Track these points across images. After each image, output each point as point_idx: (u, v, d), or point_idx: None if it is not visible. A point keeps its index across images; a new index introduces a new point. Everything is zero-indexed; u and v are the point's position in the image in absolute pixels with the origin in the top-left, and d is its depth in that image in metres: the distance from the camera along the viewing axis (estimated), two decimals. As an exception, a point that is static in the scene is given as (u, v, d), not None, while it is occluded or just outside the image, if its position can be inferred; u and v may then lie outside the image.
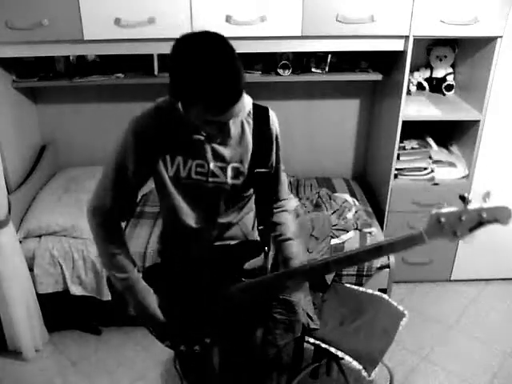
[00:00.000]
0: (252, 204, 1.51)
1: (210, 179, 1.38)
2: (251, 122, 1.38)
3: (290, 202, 1.59)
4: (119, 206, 1.40)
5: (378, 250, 1.29)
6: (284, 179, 1.57)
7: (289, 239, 1.52)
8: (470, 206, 1.17)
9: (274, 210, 1.55)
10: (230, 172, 1.38)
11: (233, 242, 1.50)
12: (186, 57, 1.13)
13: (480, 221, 1.16)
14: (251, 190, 1.46)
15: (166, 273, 1.57)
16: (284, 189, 1.58)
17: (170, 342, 1.57)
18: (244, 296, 1.47)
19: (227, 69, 1.12)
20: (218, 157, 1.36)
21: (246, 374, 1.82)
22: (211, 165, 1.36)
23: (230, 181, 1.38)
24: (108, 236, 1.43)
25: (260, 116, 1.39)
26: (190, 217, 1.43)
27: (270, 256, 1.64)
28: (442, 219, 1.17)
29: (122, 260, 1.43)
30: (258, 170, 1.39)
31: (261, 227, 1.50)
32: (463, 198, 1.18)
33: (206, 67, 1.10)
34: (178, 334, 1.55)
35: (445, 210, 1.18)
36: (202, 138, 1.33)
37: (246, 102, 1.33)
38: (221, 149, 1.36)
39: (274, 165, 1.47)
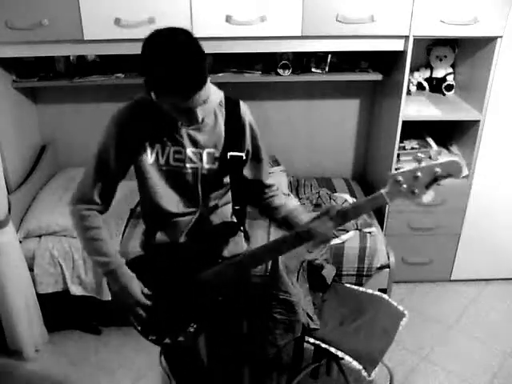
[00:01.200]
0: (230, 195, 1.57)
1: (188, 165, 1.47)
2: (224, 111, 1.48)
3: (279, 190, 1.65)
4: (99, 193, 1.48)
5: (345, 215, 1.35)
6: (266, 167, 1.61)
7: (294, 212, 1.55)
8: (423, 163, 1.23)
9: (268, 198, 1.61)
10: (205, 157, 1.47)
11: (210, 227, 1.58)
12: (151, 50, 1.25)
13: (435, 177, 1.23)
14: (228, 179, 1.53)
15: (147, 263, 1.61)
16: (266, 175, 1.62)
17: (154, 336, 1.57)
18: (218, 278, 1.51)
19: (188, 60, 1.23)
20: (193, 142, 1.45)
21: (235, 366, 1.84)
22: (188, 150, 1.45)
23: (205, 165, 1.47)
24: (88, 223, 1.49)
25: (231, 106, 1.49)
26: (169, 202, 1.51)
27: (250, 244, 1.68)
28: (400, 178, 1.26)
29: (102, 245, 1.49)
30: (231, 153, 1.47)
31: (236, 207, 1.56)
32: (418, 160, 1.24)
33: (168, 58, 1.22)
34: (162, 325, 1.56)
35: (401, 170, 1.26)
36: (178, 125, 1.42)
37: (214, 92, 1.45)
38: (196, 134, 1.45)
39: (251, 153, 1.54)
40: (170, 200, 1.51)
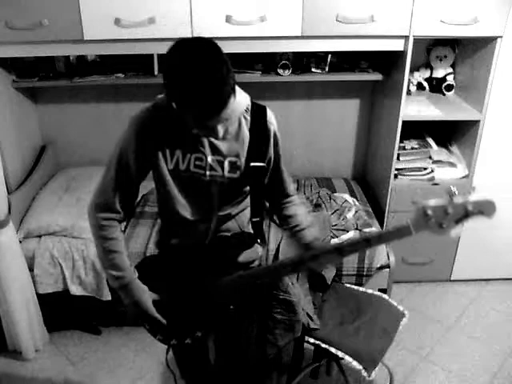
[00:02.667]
0: (248, 200, 1.53)
1: (208, 172, 1.42)
2: (249, 118, 1.43)
3: (299, 197, 1.62)
4: (120, 200, 1.44)
5: (367, 242, 1.32)
6: (287, 177, 1.59)
7: (303, 229, 1.54)
8: (456, 199, 1.18)
9: (284, 205, 1.58)
10: (227, 166, 1.43)
11: (227, 234, 1.54)
12: (173, 62, 1.20)
13: (466, 213, 1.18)
14: (248, 187, 1.49)
15: (161, 264, 1.60)
16: (289, 185, 1.60)
17: (161, 336, 1.58)
18: (233, 287, 1.50)
19: (215, 72, 1.18)
20: (215, 151, 1.41)
21: (242, 367, 1.83)
22: (209, 158, 1.41)
23: (226, 174, 1.43)
24: (107, 233, 1.45)
25: (257, 113, 1.44)
26: (186, 209, 1.47)
27: (265, 249, 1.65)
28: (429, 212, 1.20)
29: (118, 258, 1.46)
30: (253, 163, 1.43)
31: (255, 219, 1.53)
32: (450, 194, 1.20)
33: (191, 80, 1.17)
34: (170, 327, 1.55)
35: (432, 203, 1.21)
36: (200, 132, 1.38)
37: (240, 99, 1.39)
38: (218, 143, 1.41)
39: (272, 161, 1.50)
40: (186, 206, 1.47)
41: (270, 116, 1.47)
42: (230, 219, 1.53)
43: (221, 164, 1.42)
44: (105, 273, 1.50)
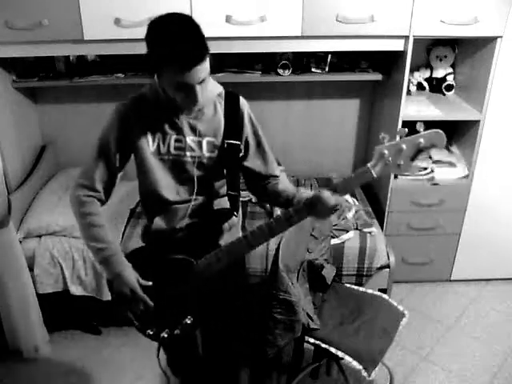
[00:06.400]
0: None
1: (188, 153, 1.52)
2: (223, 103, 1.55)
3: (283, 175, 1.69)
4: (100, 181, 1.52)
5: (333, 191, 1.36)
6: (271, 157, 1.64)
7: (295, 196, 1.58)
8: (408, 137, 1.26)
9: (271, 183, 1.63)
10: (205, 145, 1.53)
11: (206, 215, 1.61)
12: (155, 27, 1.33)
13: (419, 148, 1.26)
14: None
15: (146, 254, 1.64)
16: (274, 167, 1.65)
17: (151, 331, 1.58)
18: (213, 266, 1.54)
19: (191, 31, 1.31)
20: (193, 131, 1.51)
21: (230, 362, 1.87)
22: (188, 139, 1.51)
23: (206, 153, 1.53)
24: (86, 209, 1.51)
25: (231, 99, 1.56)
26: (168, 190, 1.55)
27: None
28: (385, 151, 1.28)
29: (100, 231, 1.51)
30: (229, 141, 1.53)
31: (232, 193, 1.59)
32: (402, 132, 1.27)
33: (173, 30, 1.30)
34: (158, 317, 1.57)
35: (387, 144, 1.28)
36: (179, 113, 1.49)
37: (214, 85, 1.53)
38: (196, 123, 1.51)
39: (251, 142, 1.58)
40: (168, 188, 1.54)
41: (242, 102, 1.58)
42: (215, 199, 1.61)
43: (199, 144, 1.52)
44: (88, 248, 1.54)
